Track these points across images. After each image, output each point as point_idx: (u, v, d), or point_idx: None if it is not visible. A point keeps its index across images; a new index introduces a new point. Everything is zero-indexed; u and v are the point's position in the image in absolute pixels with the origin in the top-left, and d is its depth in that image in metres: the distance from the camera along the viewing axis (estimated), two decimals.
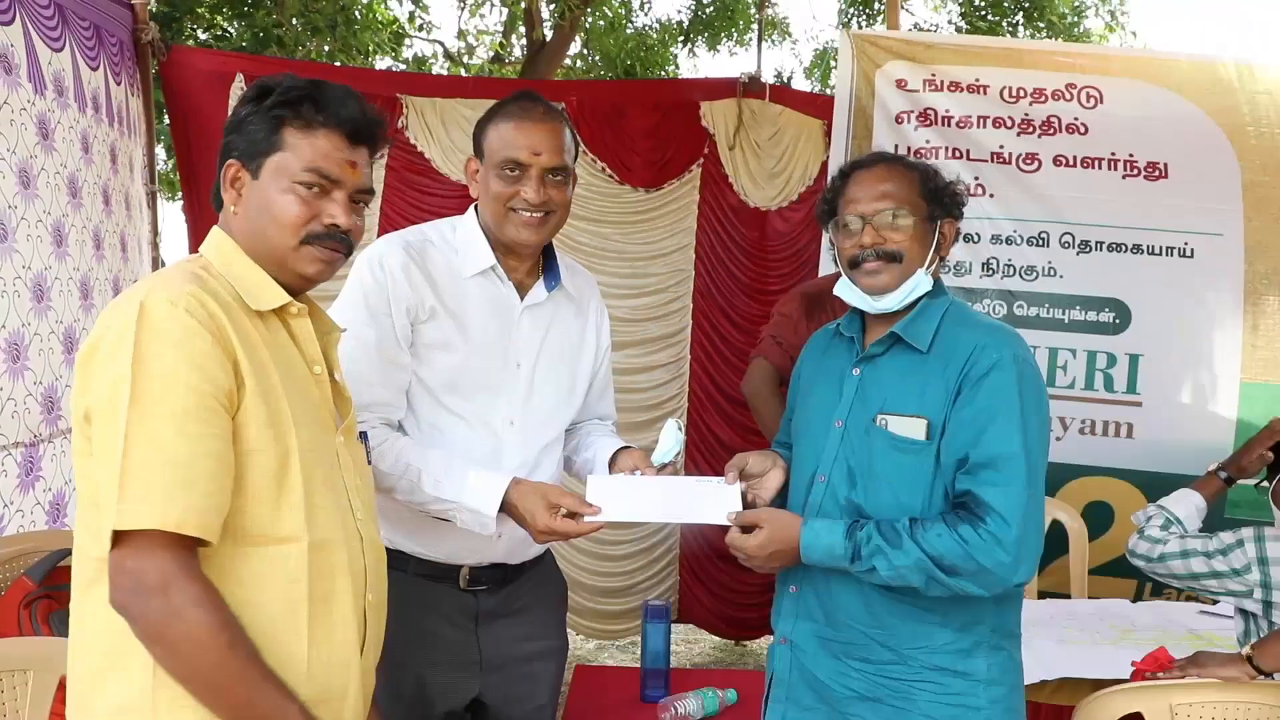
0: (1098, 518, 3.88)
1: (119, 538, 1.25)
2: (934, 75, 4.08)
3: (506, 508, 1.88)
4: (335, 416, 1.53)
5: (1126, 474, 3.99)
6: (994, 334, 1.79)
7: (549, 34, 8.57)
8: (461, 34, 10.30)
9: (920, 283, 1.83)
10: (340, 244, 1.48)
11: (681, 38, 10.01)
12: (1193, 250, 3.96)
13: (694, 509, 1.92)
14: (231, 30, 7.09)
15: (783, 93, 4.59)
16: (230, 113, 1.50)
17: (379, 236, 2.11)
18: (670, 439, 2.00)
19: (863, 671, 1.80)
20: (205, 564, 1.31)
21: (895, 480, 1.78)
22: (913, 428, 1.77)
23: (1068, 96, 4.04)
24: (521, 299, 2.04)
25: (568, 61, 9.63)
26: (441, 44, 9.90)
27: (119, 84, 3.68)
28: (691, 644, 4.91)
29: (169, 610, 1.24)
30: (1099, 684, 2.32)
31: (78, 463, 1.35)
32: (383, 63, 8.63)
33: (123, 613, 1.26)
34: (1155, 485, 3.96)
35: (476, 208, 2.05)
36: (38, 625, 2.32)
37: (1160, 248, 3.98)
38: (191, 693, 1.27)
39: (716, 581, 4.44)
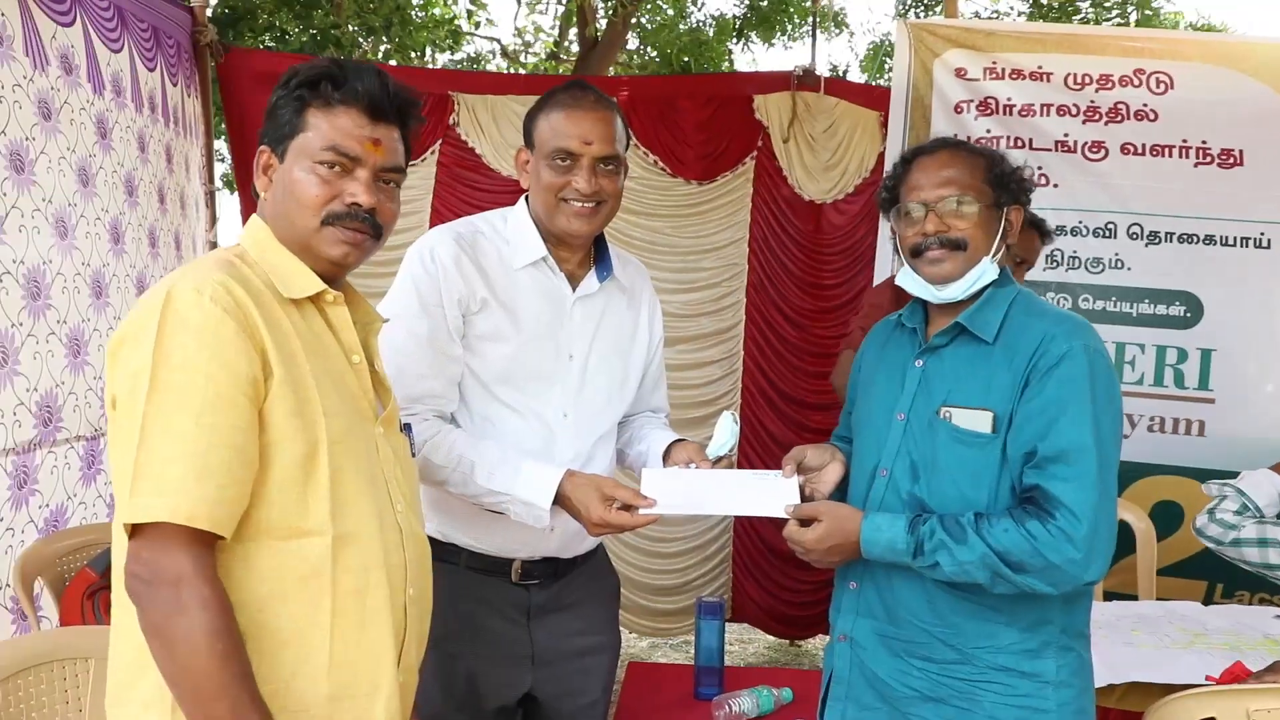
0: (1166, 517, 3.76)
1: (136, 528, 1.25)
2: (994, 63, 3.99)
3: (560, 500, 1.85)
4: (375, 406, 1.50)
5: (1197, 473, 3.84)
6: (1064, 323, 1.72)
7: (601, 29, 8.56)
8: (519, 31, 10.36)
9: (985, 271, 1.77)
10: (365, 225, 1.43)
11: (735, 33, 9.94)
12: (1269, 241, 3.81)
13: (750, 502, 1.88)
14: (290, 32, 7.18)
15: (837, 85, 4.51)
16: None
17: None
18: (726, 431, 1.97)
19: (925, 671, 1.75)
20: (225, 555, 1.30)
21: (959, 474, 1.73)
22: (978, 420, 1.71)
23: (1136, 82, 3.91)
24: (573, 290, 2.02)
25: (623, 58, 9.62)
26: (498, 41, 9.96)
27: (175, 85, 3.74)
28: (745, 644, 4.86)
29: (175, 606, 1.23)
30: (1169, 689, 2.23)
31: (110, 450, 1.34)
32: (441, 60, 8.70)
33: (133, 600, 1.26)
34: None
35: (527, 199, 2.03)
36: (100, 615, 2.36)
37: (1234, 238, 3.85)
38: (175, 695, 1.25)
39: (770, 579, 4.38)
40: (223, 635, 1.24)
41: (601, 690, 2.15)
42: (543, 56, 10.29)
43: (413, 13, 7.62)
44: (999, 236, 1.78)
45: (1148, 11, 9.31)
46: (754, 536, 4.36)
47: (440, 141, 4.22)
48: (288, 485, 1.32)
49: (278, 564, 1.32)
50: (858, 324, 3.32)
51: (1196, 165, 3.87)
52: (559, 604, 2.06)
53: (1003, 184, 1.79)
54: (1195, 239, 3.89)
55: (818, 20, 8.01)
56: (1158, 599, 3.29)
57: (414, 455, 1.62)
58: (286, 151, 1.43)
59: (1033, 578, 1.63)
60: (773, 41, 9.99)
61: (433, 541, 1.94)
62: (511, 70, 9.78)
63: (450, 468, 1.88)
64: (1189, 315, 3.91)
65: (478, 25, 9.29)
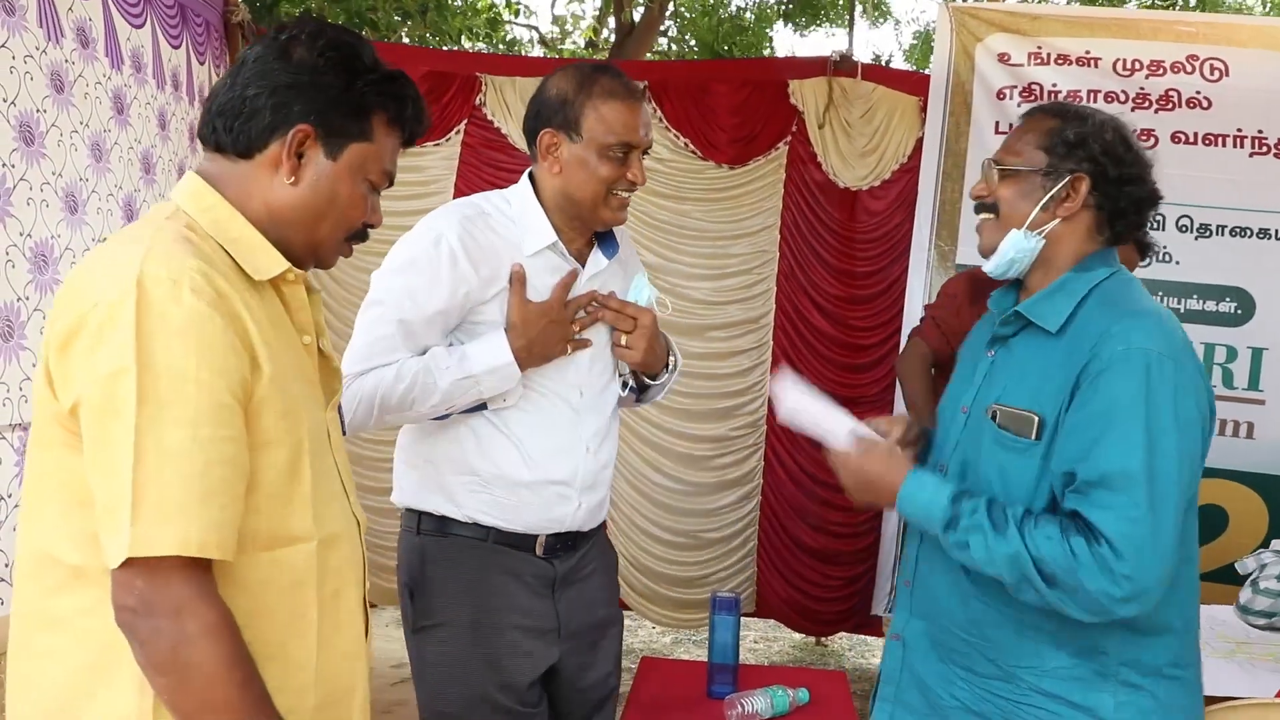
0: (1211, 522, 3.62)
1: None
2: (1040, 48, 3.86)
3: (523, 354, 1.88)
4: (324, 391, 1.40)
5: (1244, 477, 3.72)
6: (1132, 319, 1.51)
7: (638, 16, 8.49)
8: (557, 20, 10.35)
9: (1015, 244, 1.61)
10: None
11: (781, 19, 9.81)
12: None
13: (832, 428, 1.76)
14: (328, 16, 7.21)
15: (875, 71, 4.39)
16: (278, 59, 1.28)
17: None
18: (641, 286, 2.04)
19: (968, 682, 1.61)
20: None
21: (997, 480, 1.58)
22: (1021, 424, 1.55)
23: (1189, 69, 3.76)
24: (582, 268, 2.01)
25: (660, 46, 9.56)
26: (536, 29, 9.94)
27: (203, 63, 3.71)
28: (771, 642, 4.79)
29: (181, 637, 1.10)
30: (1210, 700, 2.11)
31: (49, 455, 1.19)
32: (476, 47, 8.69)
33: (129, 634, 1.13)
34: (1278, 490, 3.68)
35: (533, 179, 1.99)
36: None
37: None
38: None
39: (795, 574, 4.29)
40: (240, 661, 1.14)
41: (614, 663, 2.17)
42: (581, 45, 10.25)
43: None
44: (1040, 207, 1.60)
45: None
46: (779, 529, 4.28)
47: (466, 121, 4.18)
48: (276, 491, 1.22)
49: (264, 576, 1.22)
50: (930, 312, 3.25)
51: (1252, 155, 3.73)
52: (577, 577, 2.06)
53: (1067, 150, 1.59)
54: (1249, 232, 3.74)
55: (861, 6, 7.87)
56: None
57: (345, 434, 1.54)
58: (343, 152, 1.29)
59: (1063, 595, 1.46)
60: (818, 24, 9.84)
61: (459, 523, 1.96)
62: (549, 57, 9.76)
63: (417, 386, 1.85)
64: (1240, 312, 3.76)
65: (518, 13, 9.28)
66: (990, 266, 1.66)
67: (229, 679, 1.12)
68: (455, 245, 1.86)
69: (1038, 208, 1.60)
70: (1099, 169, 1.59)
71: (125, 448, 1.10)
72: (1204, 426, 1.51)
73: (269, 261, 1.28)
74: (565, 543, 2.04)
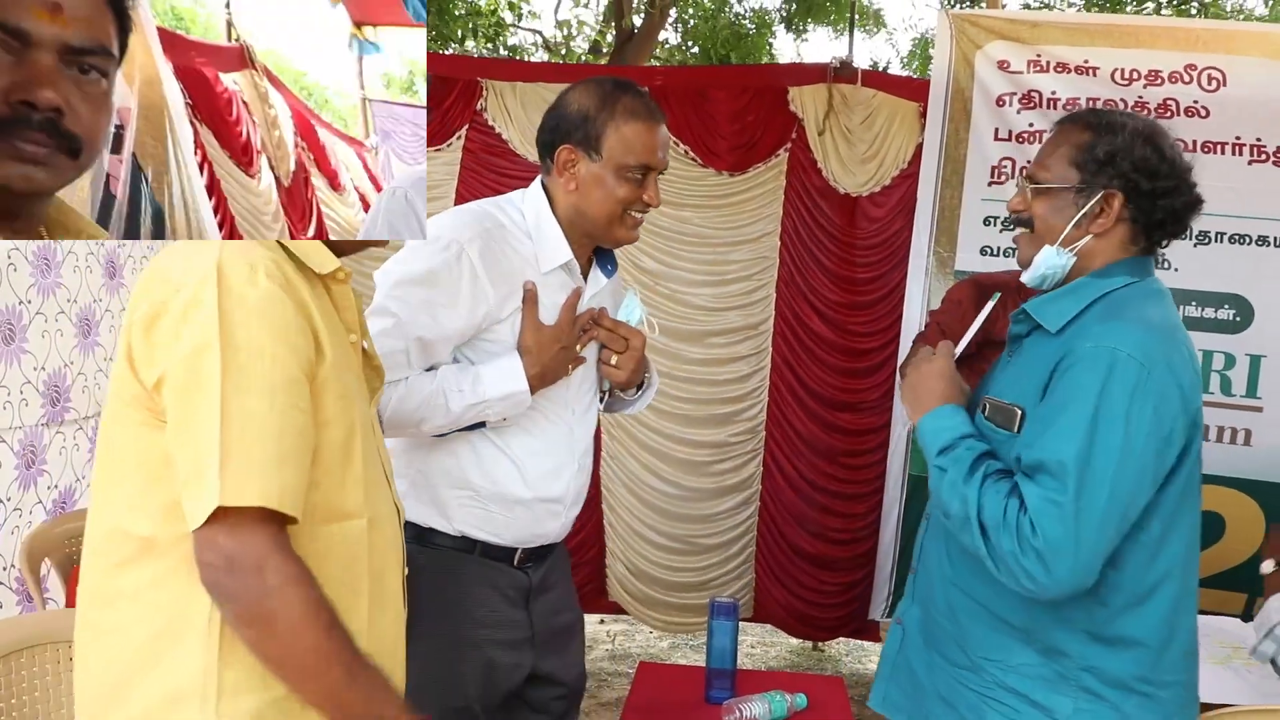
0: (1208, 528, 3.55)
1: (212, 515, 1.18)
2: (1039, 56, 3.87)
3: (534, 380, 1.88)
4: (368, 388, 1.48)
5: (1242, 484, 3.71)
6: (1115, 323, 1.54)
7: (638, 23, 8.51)
8: (562, 25, 10.35)
9: (1048, 258, 1.63)
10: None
11: (786, 23, 9.82)
12: None
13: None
14: None
15: (875, 77, 4.40)
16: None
17: None
18: (633, 307, 2.03)
19: (943, 670, 1.66)
20: None
21: None
22: (1007, 416, 1.60)
23: (1187, 79, 3.77)
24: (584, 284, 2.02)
25: (662, 54, 9.57)
26: (540, 34, 9.96)
27: None
28: (769, 647, 4.79)
29: (265, 589, 1.18)
30: (1205, 707, 2.11)
31: (126, 434, 1.26)
32: (480, 52, 8.71)
33: (215, 591, 1.19)
34: (1275, 497, 3.68)
35: (546, 190, 1.96)
36: None
37: None
38: (283, 677, 1.21)
39: (793, 579, 4.30)
40: (322, 605, 1.21)
41: (582, 663, 2.22)
42: (586, 50, 10.27)
43: (454, 3, 7.63)
44: (1073, 224, 1.61)
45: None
46: (777, 535, 4.28)
47: (467, 127, 4.19)
48: (333, 468, 1.31)
49: (322, 549, 1.29)
50: (935, 318, 3.27)
51: (1250, 163, 3.72)
52: (545, 585, 2.08)
53: (1099, 167, 1.60)
54: (1248, 239, 3.74)
55: (855, 15, 7.89)
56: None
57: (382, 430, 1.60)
58: None
59: (989, 549, 1.50)
60: (823, 23, 9.84)
61: (445, 536, 1.96)
62: (553, 62, 9.78)
63: (427, 406, 1.84)
64: (1238, 319, 3.76)
65: (521, 16, 9.31)
66: (1026, 278, 1.69)
67: (314, 624, 1.20)
68: (477, 262, 1.82)
69: (1070, 224, 1.62)
70: (1131, 184, 1.60)
71: (211, 415, 1.18)
72: (1165, 436, 1.50)
73: (322, 256, 1.37)
74: (538, 554, 2.05)
